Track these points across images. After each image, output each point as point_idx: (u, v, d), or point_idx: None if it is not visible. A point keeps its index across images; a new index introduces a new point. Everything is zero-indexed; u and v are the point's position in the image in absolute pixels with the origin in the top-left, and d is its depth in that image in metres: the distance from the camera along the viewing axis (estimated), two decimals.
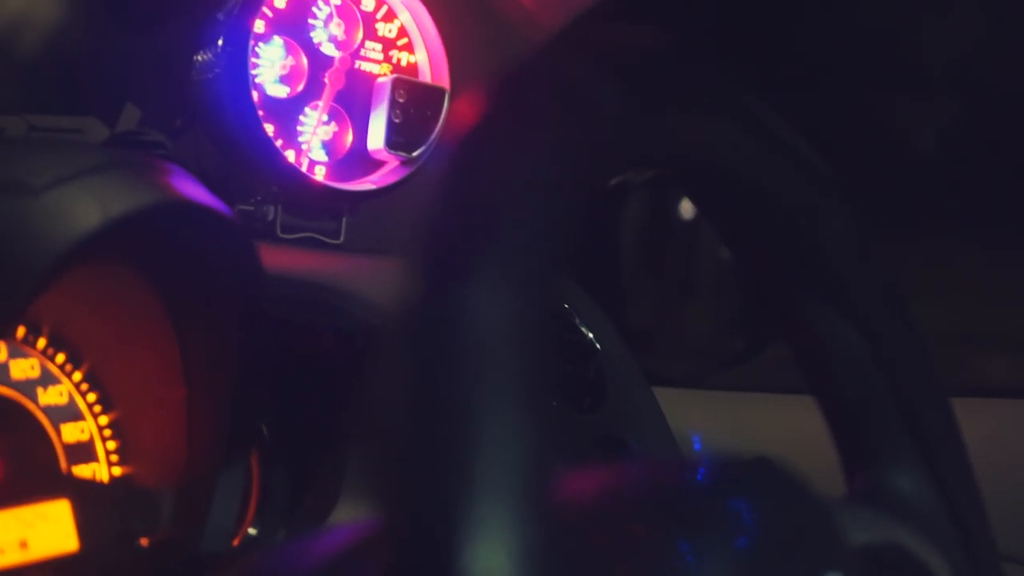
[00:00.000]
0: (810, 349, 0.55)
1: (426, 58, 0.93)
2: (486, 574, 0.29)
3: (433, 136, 0.92)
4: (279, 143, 0.87)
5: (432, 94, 0.91)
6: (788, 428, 0.90)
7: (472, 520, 0.30)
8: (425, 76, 0.93)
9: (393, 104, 0.90)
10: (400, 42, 0.93)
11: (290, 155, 0.88)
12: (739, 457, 0.48)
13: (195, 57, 0.88)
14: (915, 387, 0.55)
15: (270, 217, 0.89)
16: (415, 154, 0.91)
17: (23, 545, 0.65)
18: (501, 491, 0.30)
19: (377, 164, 0.92)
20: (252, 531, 0.74)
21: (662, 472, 0.46)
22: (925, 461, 0.55)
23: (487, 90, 0.39)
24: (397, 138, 0.90)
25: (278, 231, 0.89)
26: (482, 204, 0.35)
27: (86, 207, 0.57)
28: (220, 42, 0.86)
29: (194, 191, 0.62)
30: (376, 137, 0.90)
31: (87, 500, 0.68)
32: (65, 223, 0.57)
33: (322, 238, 0.91)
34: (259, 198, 0.89)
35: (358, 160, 0.92)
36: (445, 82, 0.92)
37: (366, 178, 0.92)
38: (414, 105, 0.91)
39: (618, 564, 0.38)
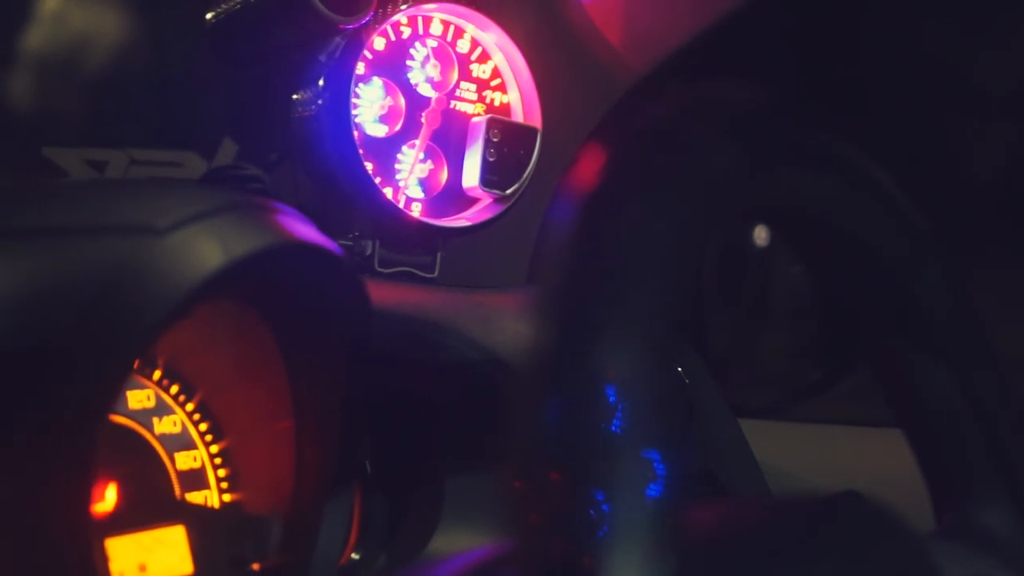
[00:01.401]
0: (900, 385, 0.57)
1: (519, 98, 0.96)
2: None
3: (526, 174, 0.94)
4: (377, 180, 0.91)
5: (525, 133, 0.94)
6: (872, 462, 0.91)
7: (615, 558, 0.32)
8: (518, 116, 0.96)
9: (487, 143, 0.93)
10: (494, 82, 0.96)
11: (388, 192, 0.91)
12: (829, 493, 0.49)
13: (295, 95, 0.91)
14: (1004, 424, 0.56)
15: (368, 252, 0.92)
16: (508, 192, 0.94)
17: (142, 569, 0.68)
18: (639, 529, 0.32)
19: (471, 201, 0.95)
20: (355, 556, 0.76)
21: (757, 509, 0.48)
22: (1015, 498, 0.56)
23: (610, 146, 0.42)
24: (491, 176, 0.93)
25: (376, 266, 0.92)
26: (613, 259, 0.38)
27: (209, 248, 0.61)
28: (322, 82, 0.89)
29: (308, 232, 0.65)
30: (471, 175, 0.93)
31: (200, 526, 0.72)
32: (189, 264, 0.60)
33: (417, 272, 0.94)
34: (357, 233, 0.92)
35: (453, 197, 0.95)
36: (537, 121, 0.95)
37: (460, 215, 0.95)
38: (507, 144, 0.93)
39: None
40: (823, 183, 0.49)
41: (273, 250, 0.62)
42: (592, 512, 0.34)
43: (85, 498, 0.59)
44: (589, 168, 0.42)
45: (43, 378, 0.58)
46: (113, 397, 0.59)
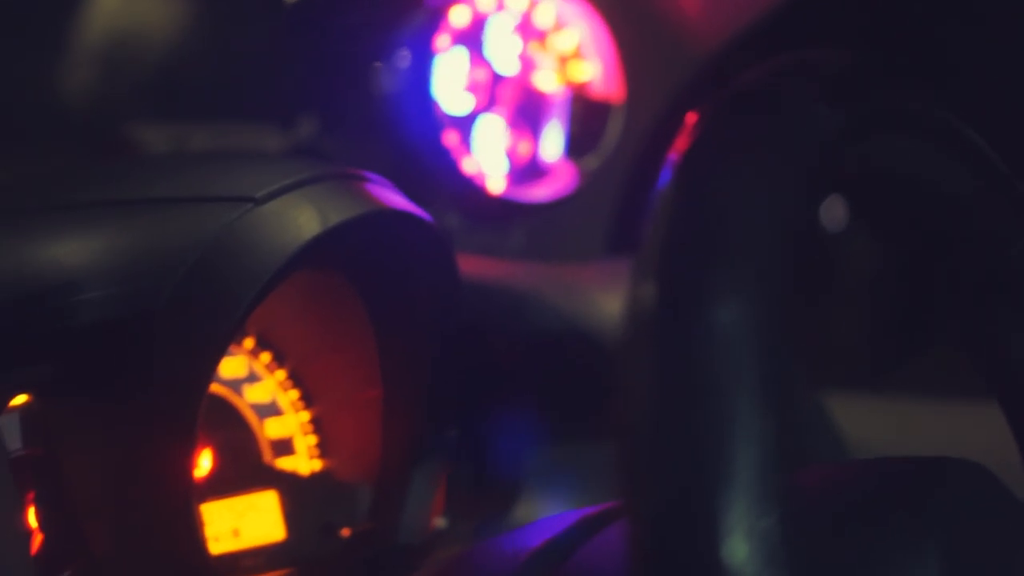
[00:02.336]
0: (994, 355, 0.57)
1: (600, 71, 0.96)
2: (743, 566, 0.32)
3: (606, 148, 0.95)
4: (458, 155, 0.91)
5: (605, 107, 0.95)
6: (960, 434, 0.91)
7: (729, 514, 0.33)
8: (599, 89, 0.96)
9: (568, 117, 0.93)
10: (575, 56, 0.96)
11: (468, 167, 0.92)
12: (934, 458, 0.50)
13: (375, 69, 0.92)
14: None
15: (448, 227, 0.93)
16: (589, 165, 0.94)
17: (236, 533, 0.70)
18: (755, 485, 0.33)
19: (551, 175, 0.96)
20: (441, 523, 0.77)
21: (863, 473, 0.48)
22: None
23: (712, 109, 0.42)
24: (572, 150, 0.94)
25: (456, 240, 0.92)
26: (718, 221, 0.38)
27: (306, 216, 0.62)
28: (404, 55, 0.90)
29: (401, 201, 0.66)
30: (551, 149, 0.94)
31: (291, 492, 0.73)
32: (287, 231, 0.61)
33: (497, 246, 0.94)
34: (437, 208, 0.93)
35: (534, 171, 0.95)
36: (618, 95, 0.95)
37: (541, 189, 0.95)
38: (588, 117, 0.94)
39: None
40: (918, 147, 0.49)
41: (368, 218, 0.63)
42: (697, 471, 0.34)
43: (187, 464, 0.60)
44: (691, 132, 0.42)
45: (147, 345, 0.59)
46: (216, 364, 0.60)
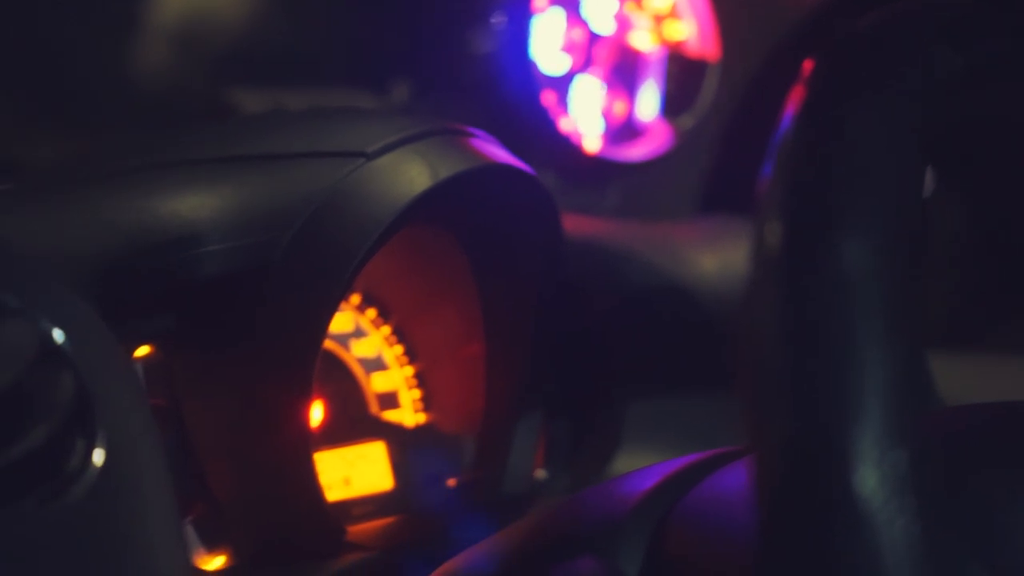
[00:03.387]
0: None
1: (695, 30, 0.96)
2: (872, 495, 0.33)
3: (702, 107, 0.95)
4: (554, 115, 0.92)
5: (701, 65, 0.95)
6: None
7: (859, 444, 0.33)
8: (694, 48, 0.96)
9: (663, 76, 0.94)
10: (670, 15, 0.96)
11: (565, 126, 0.93)
12: None
13: (470, 30, 0.93)
14: None
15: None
16: (685, 124, 0.95)
17: (347, 482, 0.71)
18: (885, 417, 0.34)
19: (647, 134, 0.96)
20: (542, 475, 0.79)
21: (994, 415, 0.49)
22: None
23: (832, 51, 0.42)
24: (668, 109, 0.94)
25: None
26: (840, 163, 0.39)
27: (417, 170, 0.63)
28: (500, 16, 0.91)
29: (506, 156, 0.67)
30: (647, 108, 0.94)
31: (397, 443, 0.74)
32: (398, 185, 0.62)
33: (592, 205, 0.95)
34: (533, 167, 0.94)
35: (629, 130, 0.96)
36: (713, 53, 0.96)
37: (637, 148, 0.96)
38: (684, 77, 0.94)
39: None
40: None
41: (476, 172, 0.64)
42: (827, 403, 0.35)
43: (304, 415, 0.61)
44: (812, 72, 0.43)
45: (266, 298, 0.60)
46: (331, 315, 0.61)
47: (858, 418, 0.34)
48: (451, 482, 0.73)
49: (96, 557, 0.40)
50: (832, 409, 0.34)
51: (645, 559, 0.44)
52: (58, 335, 0.43)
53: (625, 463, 0.82)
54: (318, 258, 0.61)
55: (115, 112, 1.04)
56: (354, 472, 0.72)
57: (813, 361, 0.35)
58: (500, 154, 0.67)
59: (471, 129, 0.68)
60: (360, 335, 0.76)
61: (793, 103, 0.43)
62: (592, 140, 0.95)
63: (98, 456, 0.41)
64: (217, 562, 0.63)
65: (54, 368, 0.42)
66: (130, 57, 1.04)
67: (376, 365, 0.76)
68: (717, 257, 0.85)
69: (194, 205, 0.60)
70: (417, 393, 0.77)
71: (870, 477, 0.34)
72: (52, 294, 0.43)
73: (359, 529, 0.67)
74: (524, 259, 0.72)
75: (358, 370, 0.75)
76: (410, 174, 0.63)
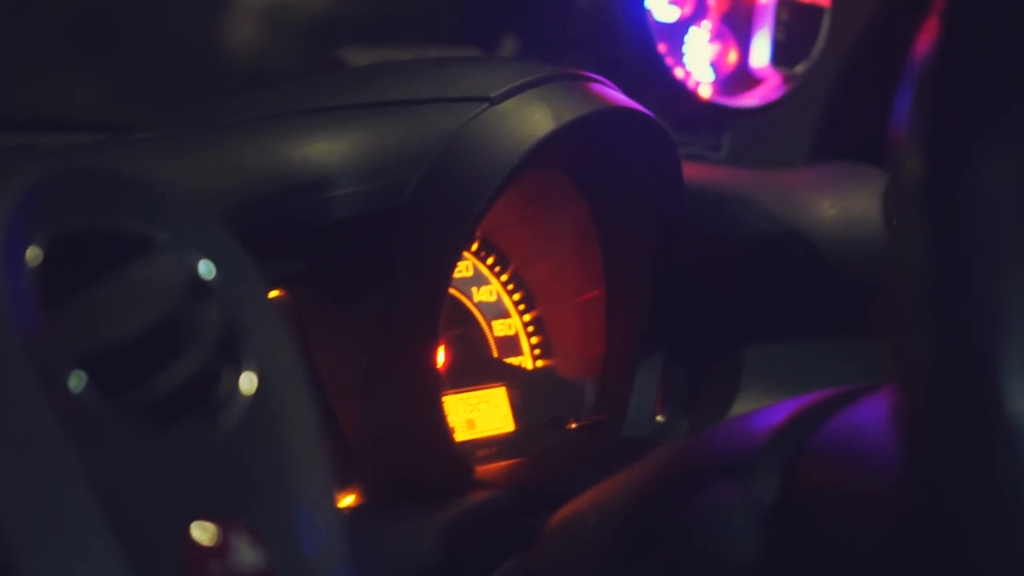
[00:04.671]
0: None
1: None
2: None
3: (814, 53, 0.94)
4: (667, 63, 0.92)
5: (813, 11, 0.94)
6: None
7: (1008, 363, 0.34)
8: None
9: (776, 23, 0.93)
10: None
11: (678, 74, 0.93)
12: None
13: None
14: None
15: None
16: (797, 71, 0.94)
17: (471, 425, 0.73)
18: None
19: (759, 81, 0.96)
20: (660, 419, 0.79)
21: None
22: None
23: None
24: (780, 56, 0.94)
25: None
26: (978, 85, 0.39)
27: (540, 114, 0.63)
28: None
29: (628, 100, 0.68)
30: (760, 55, 0.94)
31: (518, 387, 0.75)
32: (522, 129, 0.63)
33: (705, 153, 0.95)
34: None
35: (741, 78, 0.95)
36: (826, 0, 0.95)
37: (749, 95, 0.95)
38: (796, 23, 0.94)
39: None
40: None
41: (599, 115, 0.65)
42: (975, 323, 0.35)
43: (432, 357, 0.63)
44: (946, 7, 0.42)
45: (394, 241, 0.62)
46: (457, 257, 0.62)
47: (1009, 338, 0.34)
48: (572, 425, 0.73)
49: (247, 483, 0.41)
50: (982, 330, 0.35)
51: (781, 488, 0.44)
52: (207, 269, 0.44)
53: (743, 408, 0.82)
54: (444, 202, 0.62)
55: (221, 77, 1.06)
56: (477, 415, 0.73)
57: (961, 284, 0.36)
58: (621, 98, 0.68)
59: (592, 74, 0.69)
60: (480, 281, 0.77)
61: (928, 35, 0.43)
62: (705, 88, 0.94)
63: (247, 385, 0.43)
64: (348, 500, 0.65)
65: (203, 301, 0.43)
66: (238, 21, 1.05)
67: (496, 311, 0.77)
68: (835, 203, 0.85)
69: (323, 151, 0.61)
70: (537, 338, 0.78)
71: (1021, 396, 0.34)
72: (201, 229, 0.45)
73: (483, 470, 0.69)
74: (644, 203, 0.73)
75: (479, 316, 0.76)
76: (534, 118, 0.63)
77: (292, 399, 0.44)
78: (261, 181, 0.59)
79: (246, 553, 0.39)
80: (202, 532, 0.39)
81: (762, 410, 0.54)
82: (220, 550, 0.39)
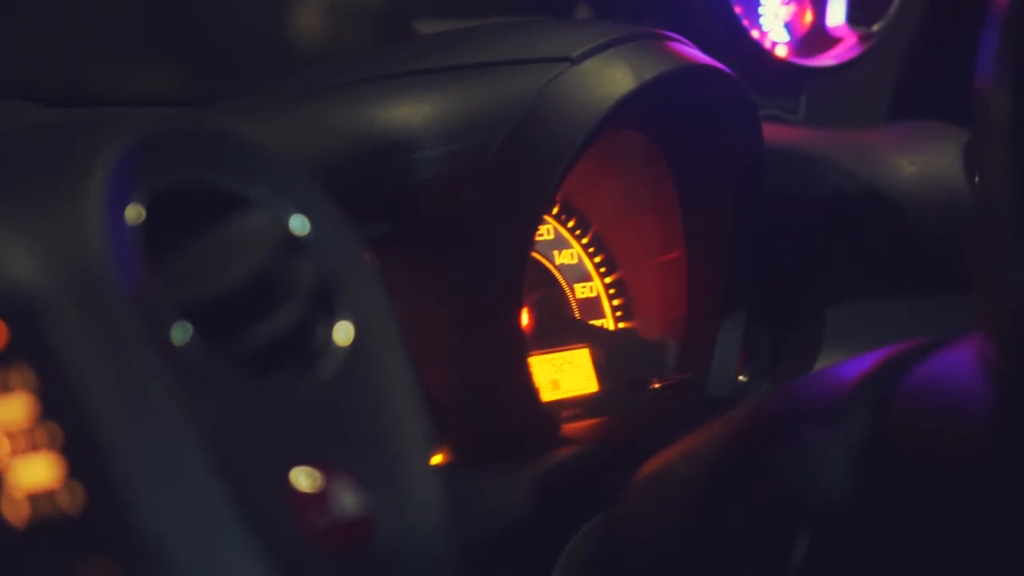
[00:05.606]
0: None
1: None
2: None
3: (891, 11, 0.94)
4: (744, 24, 0.92)
5: None
6: None
7: None
8: None
9: None
10: None
11: (754, 35, 0.92)
12: None
13: None
14: None
15: None
16: (874, 29, 0.94)
17: (555, 385, 0.73)
18: None
19: (835, 41, 0.95)
20: (742, 379, 0.79)
21: None
22: None
23: None
24: (856, 14, 0.93)
25: None
26: None
27: (621, 72, 0.64)
28: None
29: (708, 58, 0.68)
30: (836, 14, 0.93)
31: (601, 348, 0.76)
32: (603, 87, 0.64)
33: (782, 114, 0.95)
34: None
35: (818, 37, 0.95)
36: None
37: (825, 55, 0.95)
38: None
39: None
40: None
41: (680, 72, 0.65)
42: None
43: (518, 318, 0.63)
44: None
45: (478, 202, 0.62)
46: (541, 216, 0.63)
47: None
48: (655, 385, 0.74)
49: (347, 431, 0.42)
50: None
51: (872, 430, 0.44)
52: (301, 224, 0.45)
53: (825, 366, 0.82)
54: (527, 162, 0.62)
55: (296, 54, 1.07)
56: (562, 376, 0.74)
57: None
58: (702, 56, 0.68)
59: (671, 34, 0.69)
60: (561, 244, 0.77)
61: None
62: (780, 48, 0.94)
63: (343, 336, 0.44)
64: (436, 459, 0.66)
65: (297, 255, 0.44)
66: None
67: (577, 274, 0.77)
68: (915, 160, 0.84)
69: (407, 114, 0.61)
70: (618, 300, 0.78)
71: None
72: (295, 186, 0.45)
73: (569, 428, 0.69)
74: (724, 162, 0.73)
75: (560, 279, 0.76)
76: (615, 76, 0.64)
77: (387, 349, 0.44)
78: (347, 144, 0.60)
79: (347, 499, 0.40)
80: (304, 479, 0.40)
81: (849, 361, 0.54)
82: (321, 496, 0.40)
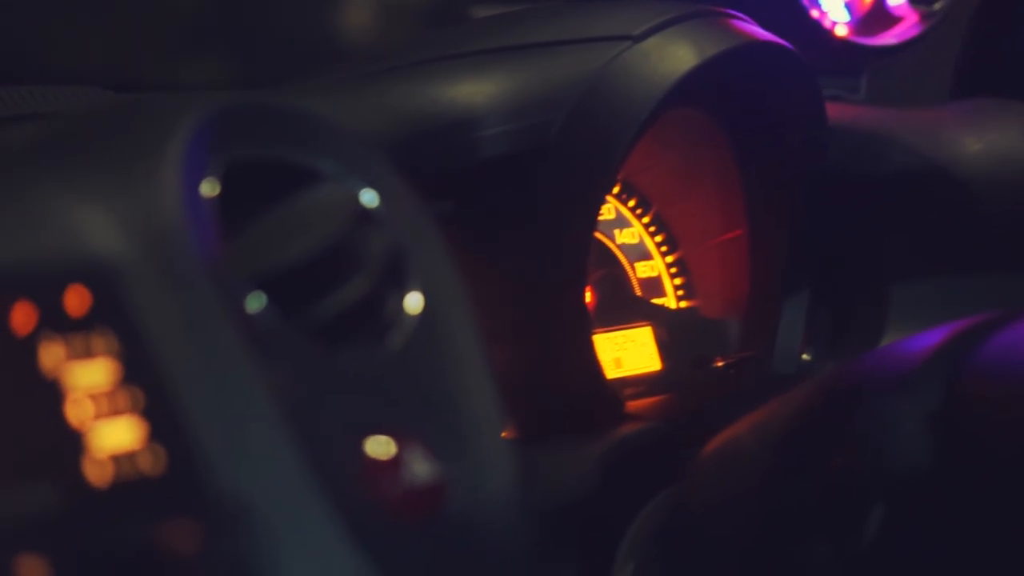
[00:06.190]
0: None
1: None
2: None
3: None
4: (804, 3, 0.91)
5: None
6: None
7: None
8: None
9: None
10: None
11: (813, 14, 0.92)
12: None
13: None
14: None
15: None
16: (935, 7, 0.93)
17: (618, 363, 0.73)
18: None
19: (897, 19, 0.95)
20: (806, 357, 0.79)
21: None
22: None
23: None
24: None
25: None
26: None
27: (683, 50, 0.64)
28: None
29: (770, 35, 0.68)
30: None
31: (663, 327, 0.76)
32: (665, 66, 0.64)
33: (843, 94, 0.94)
34: None
35: (878, 16, 0.94)
36: None
37: (886, 34, 0.94)
38: None
39: None
40: None
41: (742, 49, 0.65)
42: None
43: (583, 295, 0.64)
44: None
45: (541, 179, 0.62)
46: (605, 195, 0.63)
47: None
48: (718, 363, 0.74)
49: (419, 400, 0.43)
50: None
51: (948, 398, 0.44)
52: (371, 198, 0.45)
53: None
54: (590, 140, 0.62)
55: (352, 42, 1.08)
56: (624, 354, 0.74)
57: None
58: (764, 33, 0.68)
59: (732, 11, 0.69)
60: (623, 224, 0.77)
61: None
62: (841, 28, 0.93)
63: (413, 307, 0.44)
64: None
65: (367, 227, 0.45)
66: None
67: (639, 253, 0.77)
68: (979, 138, 0.84)
69: (470, 92, 0.62)
70: (680, 279, 0.78)
71: None
72: (364, 160, 0.46)
73: (633, 405, 0.69)
74: (786, 140, 0.73)
75: (622, 258, 0.77)
76: (677, 54, 0.64)
77: (457, 319, 0.45)
78: (411, 123, 0.60)
79: (420, 467, 0.41)
80: (377, 447, 0.40)
81: (919, 334, 0.54)
82: (395, 464, 0.40)
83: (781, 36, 0.92)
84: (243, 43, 0.98)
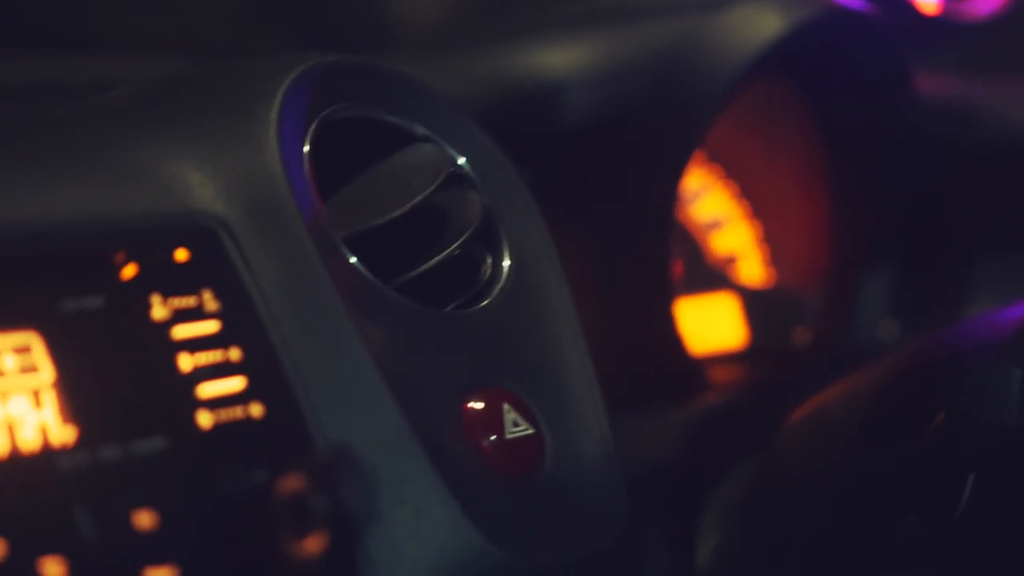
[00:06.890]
0: None
1: None
2: None
3: None
4: None
5: None
6: None
7: None
8: None
9: None
10: None
11: None
12: None
13: None
14: None
15: None
16: None
17: (701, 334, 0.73)
18: None
19: None
20: (888, 329, 0.79)
21: None
22: None
23: None
24: None
25: None
26: None
27: (771, 17, 0.63)
28: None
29: (858, 3, 0.67)
30: None
31: (746, 299, 0.76)
32: (751, 32, 0.63)
33: (934, 66, 0.93)
34: None
35: None
36: None
37: (974, 6, 0.93)
38: None
39: None
40: None
41: (829, 17, 0.64)
42: None
43: (668, 264, 0.63)
44: None
45: (626, 148, 0.62)
46: (688, 162, 0.63)
47: None
48: (800, 335, 0.73)
49: (514, 356, 0.43)
50: None
51: None
52: (465, 160, 0.46)
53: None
54: (674, 108, 0.62)
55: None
56: (707, 324, 0.74)
57: None
58: (851, 1, 0.67)
59: None
60: (706, 193, 0.77)
61: None
62: (928, 3, 0.92)
63: (507, 266, 0.45)
64: None
65: (461, 188, 0.45)
66: None
67: (721, 223, 0.77)
68: None
69: (555, 59, 0.62)
70: (762, 251, 0.78)
71: None
72: (458, 125, 0.46)
73: (715, 375, 0.69)
74: (874, 112, 0.72)
75: (704, 228, 0.76)
76: (763, 22, 0.63)
77: (549, 279, 0.45)
78: (498, 89, 0.61)
79: (517, 423, 0.41)
80: (475, 402, 0.41)
81: (1012, 305, 0.53)
82: (493, 419, 0.41)
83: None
84: (318, 14, 0.99)
